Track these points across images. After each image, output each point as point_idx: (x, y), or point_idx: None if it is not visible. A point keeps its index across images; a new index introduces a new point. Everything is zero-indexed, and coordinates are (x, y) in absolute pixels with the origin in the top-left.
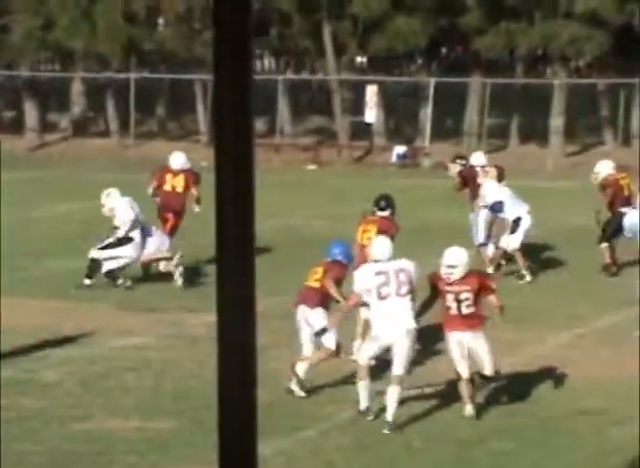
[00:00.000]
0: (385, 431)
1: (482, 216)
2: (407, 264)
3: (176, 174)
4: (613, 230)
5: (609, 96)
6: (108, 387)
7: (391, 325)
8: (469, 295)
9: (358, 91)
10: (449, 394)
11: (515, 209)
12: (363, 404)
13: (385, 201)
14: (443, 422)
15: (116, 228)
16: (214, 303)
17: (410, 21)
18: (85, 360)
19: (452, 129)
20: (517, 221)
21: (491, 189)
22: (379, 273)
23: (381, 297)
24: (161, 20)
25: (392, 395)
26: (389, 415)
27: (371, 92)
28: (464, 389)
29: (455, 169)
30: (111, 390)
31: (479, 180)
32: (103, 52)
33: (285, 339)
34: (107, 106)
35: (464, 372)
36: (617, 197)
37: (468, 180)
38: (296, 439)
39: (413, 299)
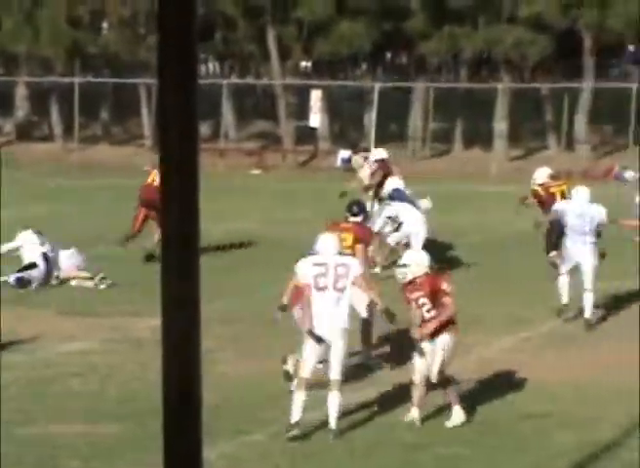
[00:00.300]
0: (331, 439)
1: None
2: (349, 261)
3: None
4: (556, 236)
5: (553, 100)
6: (53, 392)
7: (328, 320)
8: (425, 300)
9: (303, 95)
10: (396, 398)
11: (407, 213)
12: (294, 416)
13: (358, 206)
14: (389, 426)
15: (27, 258)
16: (158, 306)
17: (354, 26)
18: (29, 365)
19: (396, 133)
20: (400, 225)
21: (393, 182)
22: (317, 264)
23: (319, 288)
24: (105, 24)
25: (333, 402)
26: (333, 423)
27: (315, 96)
28: (414, 393)
29: (360, 160)
30: (56, 395)
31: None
32: (47, 56)
33: (230, 343)
34: (51, 110)
35: (416, 377)
36: (546, 204)
37: (385, 174)
38: (241, 442)
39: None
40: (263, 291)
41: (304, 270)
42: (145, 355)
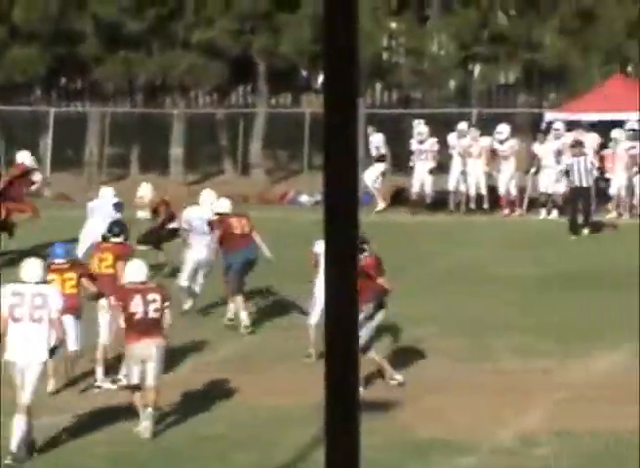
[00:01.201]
0: (8, 462)
1: None
2: (48, 290)
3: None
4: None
5: (228, 125)
6: None
7: (23, 351)
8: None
9: None
10: (84, 424)
11: None
12: (13, 443)
13: (119, 226)
14: (76, 452)
15: None
16: None
17: (27, 51)
18: None
19: (73, 159)
20: None
21: None
22: (15, 294)
23: (15, 319)
24: None
25: (18, 425)
26: (14, 446)
27: None
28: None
29: None
30: None
31: None
32: None
33: None
34: None
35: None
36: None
37: None
38: None
39: (54, 327)
40: None
41: (3, 298)
42: None
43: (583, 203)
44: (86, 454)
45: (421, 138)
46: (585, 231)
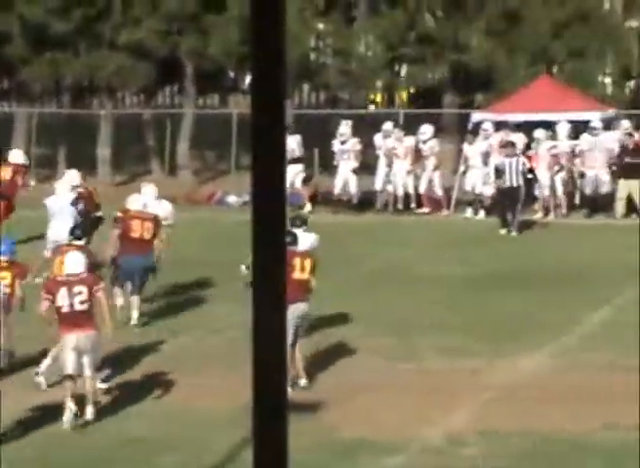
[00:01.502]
0: None
1: None
2: None
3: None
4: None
5: (155, 125)
6: None
7: None
8: None
9: None
10: (9, 424)
11: None
12: None
13: (80, 230)
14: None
15: None
16: None
17: None
18: None
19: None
20: None
21: None
22: None
23: None
24: None
25: None
26: None
27: None
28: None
29: None
30: None
31: None
32: None
33: None
34: None
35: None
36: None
37: None
38: None
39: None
40: None
41: None
42: None
43: (512, 203)
44: (12, 455)
45: (344, 139)
46: (513, 233)
